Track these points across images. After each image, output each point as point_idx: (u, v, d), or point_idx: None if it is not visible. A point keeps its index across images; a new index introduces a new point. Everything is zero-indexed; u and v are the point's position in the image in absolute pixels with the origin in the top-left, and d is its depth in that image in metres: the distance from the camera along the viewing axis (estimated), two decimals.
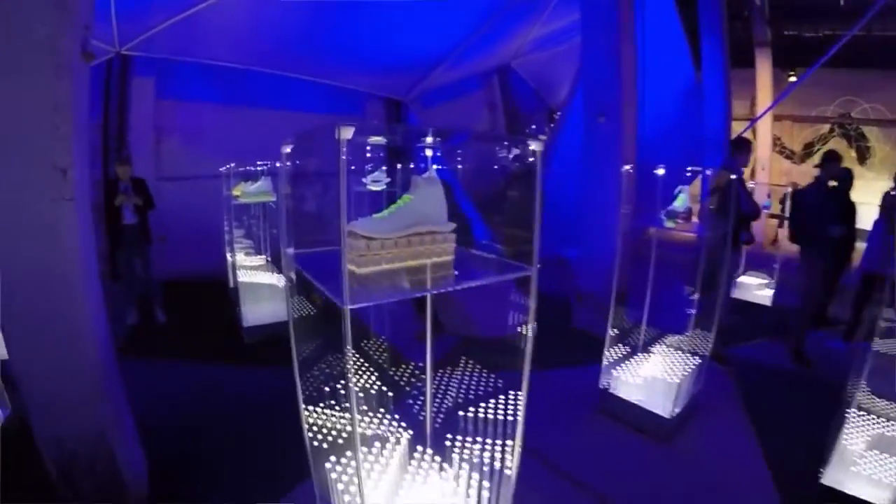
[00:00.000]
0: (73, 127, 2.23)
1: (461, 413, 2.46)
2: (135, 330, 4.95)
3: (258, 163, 4.79)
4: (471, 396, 2.95)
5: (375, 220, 1.53)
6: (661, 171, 3.32)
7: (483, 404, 2.55)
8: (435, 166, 1.94)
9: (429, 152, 1.85)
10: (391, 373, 3.15)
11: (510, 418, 2.48)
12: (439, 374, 3.20)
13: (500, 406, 2.59)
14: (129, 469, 2.55)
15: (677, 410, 3.13)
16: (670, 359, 3.45)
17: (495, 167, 7.50)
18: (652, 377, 3.27)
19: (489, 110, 8.76)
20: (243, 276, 4.77)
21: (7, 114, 2.18)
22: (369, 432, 2.38)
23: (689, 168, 3.80)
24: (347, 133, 1.21)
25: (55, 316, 2.32)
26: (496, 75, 8.68)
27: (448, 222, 1.65)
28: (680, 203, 3.19)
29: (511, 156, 5.56)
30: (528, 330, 1.75)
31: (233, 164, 4.83)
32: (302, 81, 7.33)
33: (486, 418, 2.49)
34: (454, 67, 7.46)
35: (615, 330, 3.42)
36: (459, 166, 7.94)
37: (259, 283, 4.71)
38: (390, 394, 2.78)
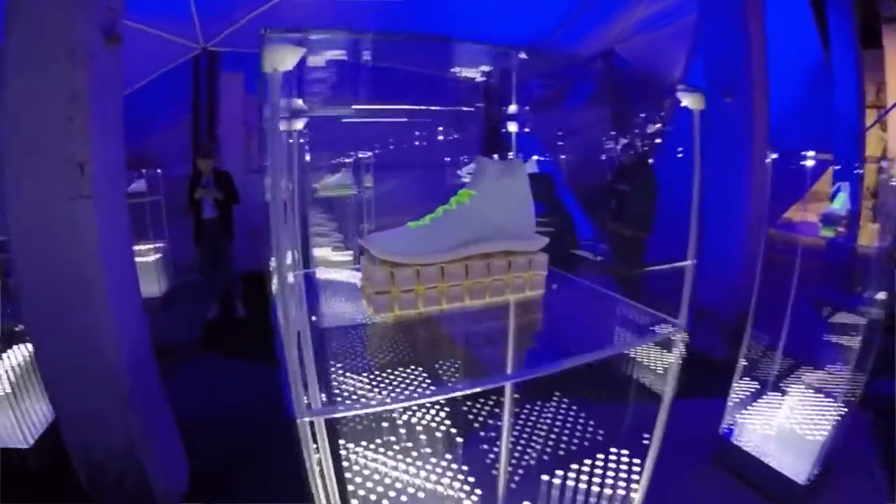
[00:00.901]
0: (93, 119, 1.93)
1: (545, 477, 1.78)
2: (213, 324, 4.74)
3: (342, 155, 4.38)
4: (560, 449, 2.24)
5: (409, 232, 0.90)
6: (809, 162, 2.41)
7: (576, 465, 1.88)
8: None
9: (512, 127, 1.20)
10: (464, 405, 2.51)
11: (614, 490, 1.78)
12: (522, 414, 2.52)
13: (599, 464, 1.91)
14: (160, 484, 2.23)
15: (815, 473, 2.32)
16: (810, 403, 2.59)
17: (602, 157, 6.69)
18: (786, 428, 2.43)
19: (595, 98, 7.84)
20: (319, 274, 4.31)
21: (21, 105, 1.96)
22: (422, 493, 1.77)
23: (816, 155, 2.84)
24: (283, 58, 0.58)
25: (76, 322, 2.04)
26: (600, 61, 7.73)
27: (537, 236, 0.98)
28: (839, 205, 2.28)
29: (620, 145, 4.79)
30: (666, 397, 1.07)
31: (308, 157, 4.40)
32: (392, 71, 6.85)
33: (577, 487, 1.80)
34: (556, 51, 6.66)
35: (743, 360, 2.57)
36: (562, 155, 7.16)
37: (337, 280, 4.22)
38: (459, 438, 2.15)
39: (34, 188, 1.93)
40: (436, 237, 0.88)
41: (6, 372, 2.60)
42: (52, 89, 1.89)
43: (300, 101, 1.56)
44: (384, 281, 0.86)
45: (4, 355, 2.64)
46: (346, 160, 4.46)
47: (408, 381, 2.49)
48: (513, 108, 1.32)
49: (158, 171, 5.19)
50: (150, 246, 5.24)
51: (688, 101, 0.85)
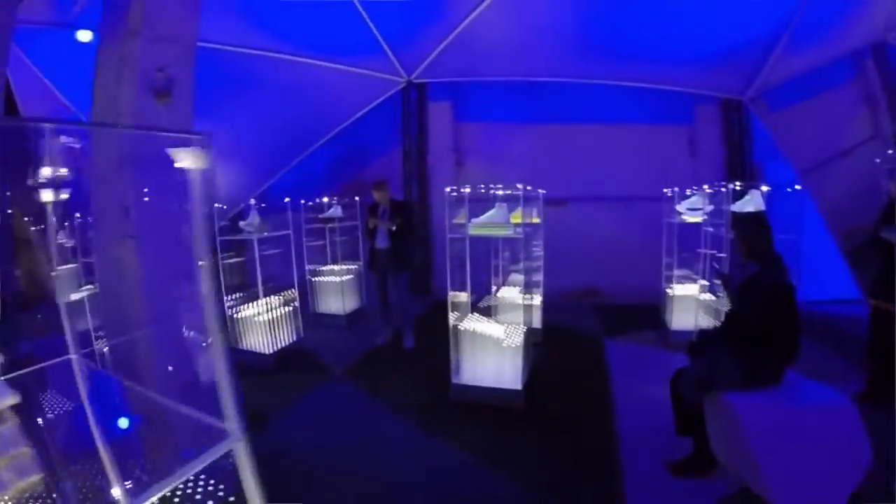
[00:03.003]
0: (140, 170, 2.19)
1: None
2: (378, 350, 4.69)
3: (493, 185, 3.96)
4: None
5: None
6: None
7: None
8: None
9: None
10: None
11: None
12: None
13: None
14: None
15: None
16: None
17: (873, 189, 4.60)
18: None
19: (868, 107, 5.48)
20: (464, 323, 3.69)
21: (92, 160, 2.23)
22: None
23: None
24: None
25: (122, 346, 2.28)
26: (870, 57, 5.39)
27: None
28: None
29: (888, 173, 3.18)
30: None
31: (452, 188, 3.97)
32: (613, 88, 6.02)
33: None
34: (803, 49, 4.89)
35: None
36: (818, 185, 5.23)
37: (477, 332, 3.68)
38: None
39: (98, 229, 2.22)
40: None
41: None
42: (108, 146, 2.24)
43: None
44: None
45: None
46: (505, 192, 3.97)
47: None
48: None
49: (357, 198, 5.61)
50: (344, 267, 5.65)
51: None
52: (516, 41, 5.18)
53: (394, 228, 4.52)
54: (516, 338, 3.52)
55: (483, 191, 4.23)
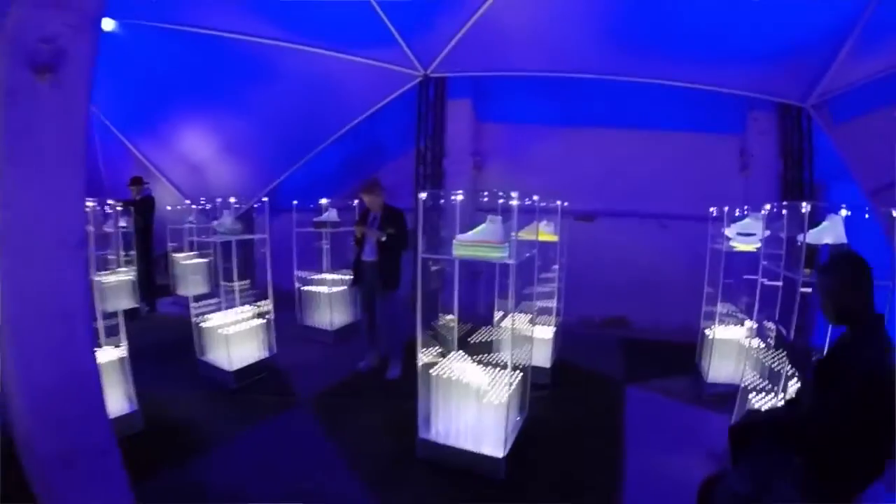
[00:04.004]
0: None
1: None
2: (356, 378, 3.97)
3: (499, 193, 3.22)
4: None
5: None
6: None
7: None
8: None
9: None
10: None
11: None
12: None
13: None
14: None
15: None
16: None
17: None
18: None
19: None
20: (438, 366, 2.94)
21: None
22: None
23: None
24: None
25: None
26: None
27: None
28: None
29: None
30: None
31: (428, 193, 3.26)
32: (653, 88, 5.10)
33: None
34: (874, 49, 3.87)
35: None
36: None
37: (453, 379, 2.87)
38: None
39: None
40: None
41: None
42: None
43: None
44: None
45: None
46: (509, 203, 3.20)
47: None
48: None
49: (356, 201, 4.96)
50: (336, 277, 4.95)
51: None
52: (542, 32, 4.41)
53: (383, 239, 3.83)
54: (503, 390, 2.75)
55: (485, 199, 3.47)
